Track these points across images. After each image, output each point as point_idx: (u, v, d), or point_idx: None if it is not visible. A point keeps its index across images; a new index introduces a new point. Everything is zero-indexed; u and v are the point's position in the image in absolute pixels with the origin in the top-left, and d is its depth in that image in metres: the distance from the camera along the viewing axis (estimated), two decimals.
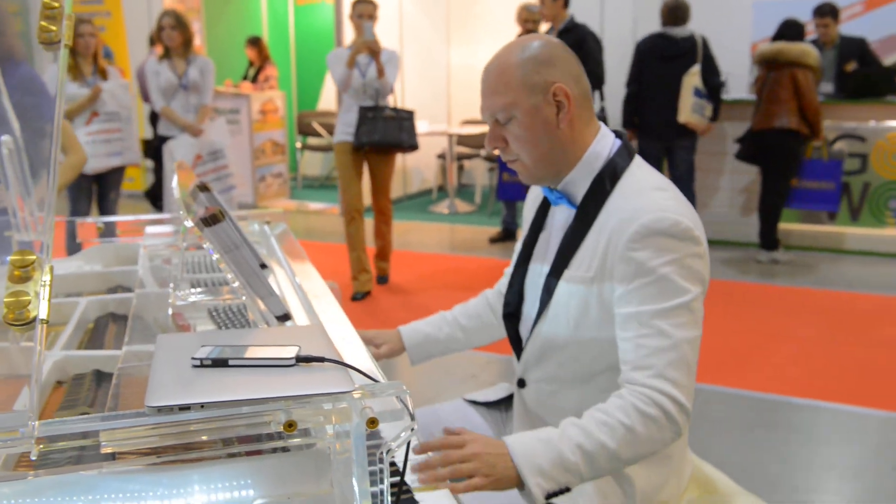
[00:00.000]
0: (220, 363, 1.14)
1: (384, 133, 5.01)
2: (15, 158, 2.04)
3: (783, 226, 6.23)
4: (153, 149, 6.02)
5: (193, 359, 1.14)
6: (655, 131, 6.05)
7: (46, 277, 1.07)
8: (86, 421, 0.99)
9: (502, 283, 1.97)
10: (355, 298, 5.33)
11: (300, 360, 1.15)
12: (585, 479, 1.43)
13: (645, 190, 1.54)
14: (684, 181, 6.12)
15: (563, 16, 5.62)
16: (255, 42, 9.09)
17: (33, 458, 1.01)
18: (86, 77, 5.00)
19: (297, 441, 1.08)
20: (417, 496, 1.38)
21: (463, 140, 8.43)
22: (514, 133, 1.58)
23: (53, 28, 1.40)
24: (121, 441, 1.02)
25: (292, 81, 9.96)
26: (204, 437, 1.02)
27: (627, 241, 1.48)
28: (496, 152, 1.70)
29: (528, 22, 6.33)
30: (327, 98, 9.71)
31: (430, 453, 1.43)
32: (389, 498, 1.11)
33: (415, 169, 9.09)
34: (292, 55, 9.96)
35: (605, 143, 1.61)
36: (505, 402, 1.97)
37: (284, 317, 1.49)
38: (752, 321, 4.85)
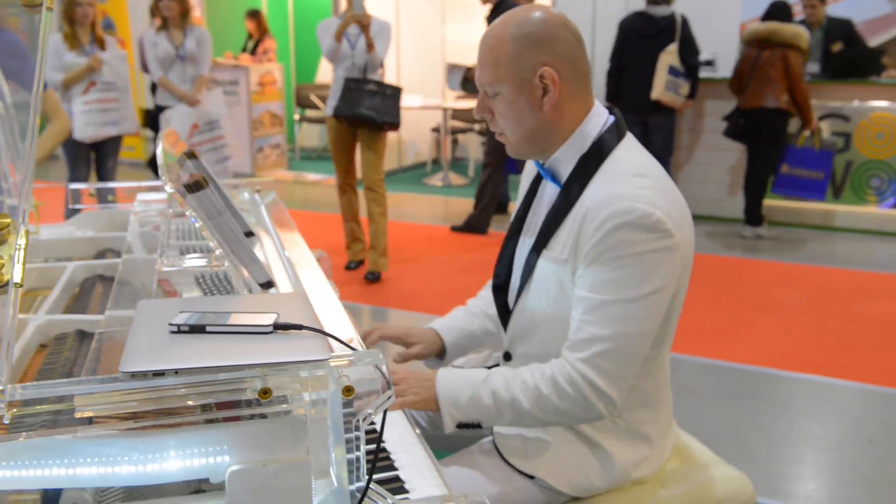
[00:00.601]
0: (197, 329, 1.10)
1: (364, 108, 4.77)
2: (5, 124, 1.99)
3: (767, 202, 6.20)
4: (152, 118, 5.94)
5: (171, 325, 1.10)
6: (633, 106, 6.02)
7: (21, 241, 1.03)
8: (59, 385, 0.95)
9: None
10: (349, 267, 5.28)
11: (278, 327, 1.11)
12: (496, 422, 1.52)
13: (623, 175, 1.47)
14: (661, 158, 6.06)
15: None
16: (255, 15, 8.97)
17: (6, 421, 0.98)
18: (84, 46, 4.91)
19: (273, 408, 1.04)
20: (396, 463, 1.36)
21: (457, 114, 8.37)
22: (499, 108, 1.53)
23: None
24: (95, 406, 0.98)
25: (290, 54, 9.84)
26: (178, 404, 0.99)
27: (595, 227, 1.43)
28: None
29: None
30: (325, 71, 9.61)
31: None
32: (366, 465, 1.09)
33: (409, 142, 9.02)
34: (291, 28, 9.84)
35: (595, 122, 1.54)
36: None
37: (268, 284, 1.46)
38: (735, 295, 4.83)
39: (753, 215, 6.03)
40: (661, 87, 5.80)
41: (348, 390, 1.03)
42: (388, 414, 1.53)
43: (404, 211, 7.06)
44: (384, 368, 1.07)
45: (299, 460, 1.04)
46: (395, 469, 1.35)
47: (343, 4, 7.71)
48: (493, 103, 1.54)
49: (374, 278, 5.09)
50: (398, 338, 1.84)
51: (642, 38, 5.91)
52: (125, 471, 1.01)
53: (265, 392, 1.00)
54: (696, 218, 6.52)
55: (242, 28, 9.12)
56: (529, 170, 1.78)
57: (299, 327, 1.12)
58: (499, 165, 6.26)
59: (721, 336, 4.19)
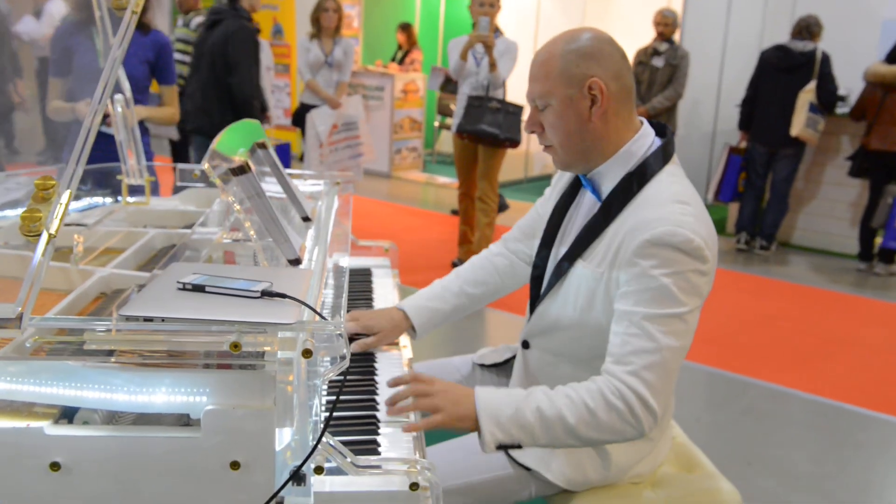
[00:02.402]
0: (198, 288, 1.24)
1: (486, 124, 4.78)
2: (126, 115, 2.23)
3: None
4: (299, 116, 6.29)
5: (178, 282, 1.25)
6: (764, 137, 5.88)
7: (64, 199, 1.19)
8: (67, 320, 1.11)
9: (511, 235, 1.97)
10: (454, 264, 5.40)
11: (265, 293, 1.23)
12: (538, 442, 1.44)
13: (667, 201, 1.48)
14: (780, 188, 5.93)
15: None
16: (406, 28, 9.26)
17: (27, 345, 1.14)
18: None
19: (248, 361, 1.16)
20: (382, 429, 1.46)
21: None
22: (548, 121, 1.55)
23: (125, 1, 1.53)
24: (96, 341, 1.14)
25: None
26: (159, 347, 1.12)
27: (637, 246, 1.45)
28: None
29: (660, 25, 6.16)
30: None
31: (400, 387, 1.49)
32: (321, 420, 1.19)
33: (537, 154, 9.05)
34: (440, 42, 10.08)
35: (642, 143, 1.56)
36: (512, 363, 1.99)
37: (295, 261, 1.59)
38: (832, 329, 4.60)
39: (867, 252, 5.71)
40: (801, 124, 5.63)
41: (307, 353, 1.13)
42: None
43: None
44: (341, 337, 1.17)
45: (264, 409, 1.15)
46: (376, 433, 1.44)
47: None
48: (542, 117, 1.57)
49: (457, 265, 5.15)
50: (366, 328, 1.82)
51: (779, 72, 5.75)
52: (120, 398, 1.16)
53: (235, 346, 1.12)
54: (808, 250, 6.24)
55: (394, 40, 9.44)
56: (557, 180, 1.83)
57: (283, 296, 1.23)
58: None
59: (805, 366, 4.01)
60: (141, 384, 1.15)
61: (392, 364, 1.75)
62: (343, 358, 1.16)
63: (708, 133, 7.24)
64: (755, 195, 6.07)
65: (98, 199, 2.43)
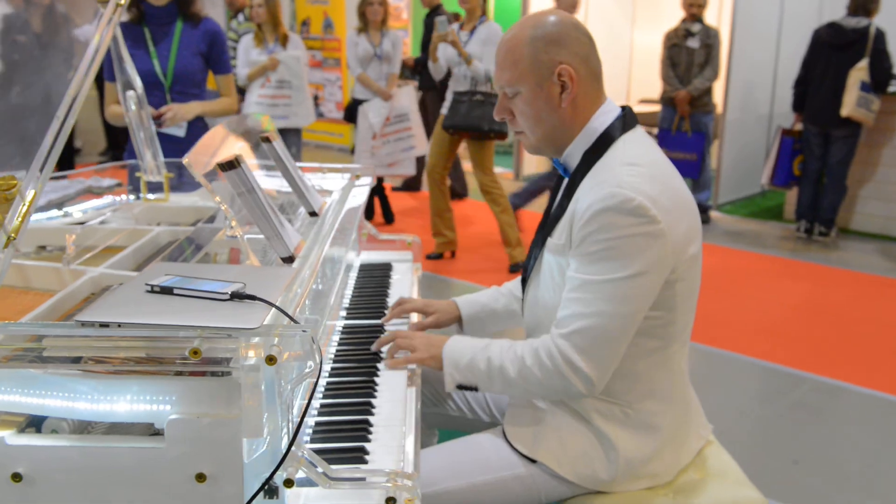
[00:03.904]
0: (166, 291, 1.17)
1: (469, 117, 4.75)
2: (140, 112, 2.18)
3: None
4: (350, 110, 6.24)
5: (146, 284, 1.18)
6: (817, 118, 5.62)
7: (28, 200, 1.14)
8: (22, 326, 1.05)
9: None
10: (428, 257, 5.27)
11: (234, 296, 1.16)
12: (489, 388, 1.54)
13: (614, 164, 1.45)
14: (836, 171, 5.65)
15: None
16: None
17: None
18: (268, 44, 5.23)
19: (214, 368, 1.08)
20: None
21: (639, 118, 8.10)
22: (518, 107, 1.53)
23: None
24: (57, 347, 1.08)
25: None
26: (114, 354, 1.06)
27: (581, 213, 1.43)
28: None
29: (692, 6, 5.92)
30: None
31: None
32: (291, 429, 1.11)
33: None
34: None
35: (605, 118, 1.52)
36: None
37: (289, 259, 1.51)
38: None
39: None
40: (853, 103, 5.34)
41: (270, 359, 1.05)
42: (397, 390, 1.55)
43: None
44: (312, 343, 1.09)
45: (230, 418, 1.08)
46: (366, 440, 1.35)
47: (530, 6, 7.70)
48: (512, 104, 1.54)
49: (515, 269, 5.05)
50: (419, 309, 1.87)
51: (832, 49, 5.48)
52: (82, 406, 1.10)
53: (195, 352, 1.05)
54: (868, 236, 5.93)
55: None
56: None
57: (253, 298, 1.15)
58: None
59: (862, 359, 3.79)
60: (103, 392, 1.09)
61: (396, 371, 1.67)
62: (318, 361, 1.08)
63: (764, 115, 6.94)
64: (812, 179, 5.79)
65: (122, 197, 2.41)
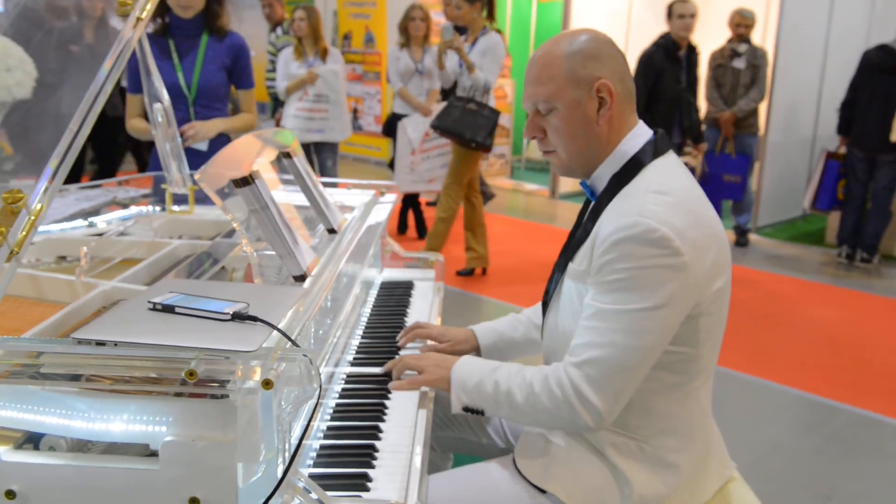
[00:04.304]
0: (168, 309, 1.16)
1: (454, 122, 4.70)
2: (166, 124, 2.19)
3: None
4: (389, 125, 6.25)
5: (149, 302, 1.16)
6: (863, 142, 5.48)
7: (34, 215, 1.13)
8: (23, 342, 1.04)
9: None
10: (459, 273, 5.23)
11: (235, 316, 1.14)
12: (496, 413, 1.48)
13: (641, 191, 1.39)
14: (881, 196, 5.51)
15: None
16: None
17: None
18: (308, 58, 5.26)
19: (212, 390, 1.06)
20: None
21: None
22: (553, 124, 1.47)
23: (129, 2, 1.47)
24: (54, 364, 1.06)
25: None
26: (110, 373, 1.04)
27: (601, 240, 1.37)
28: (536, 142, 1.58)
29: (739, 26, 5.83)
30: None
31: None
32: (287, 455, 1.08)
33: None
34: (531, 48, 9.91)
35: (635, 141, 1.46)
36: None
37: (301, 278, 1.49)
38: None
39: None
40: None
41: (267, 383, 1.03)
42: (407, 414, 1.52)
43: None
44: (310, 367, 1.06)
45: (226, 441, 1.06)
46: (369, 466, 1.32)
47: (572, 27, 7.65)
48: (545, 121, 1.48)
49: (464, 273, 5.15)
50: (434, 337, 1.83)
51: (882, 73, 5.35)
52: (78, 425, 1.08)
53: (191, 374, 1.03)
54: None
55: None
56: None
57: (255, 319, 1.13)
58: None
59: None
60: (100, 411, 1.07)
61: (409, 392, 1.63)
62: (318, 385, 1.05)
63: (807, 138, 6.79)
64: (856, 204, 5.64)
65: (148, 208, 2.42)
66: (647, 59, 4.89)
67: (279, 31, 6.23)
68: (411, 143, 5.99)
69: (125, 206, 2.36)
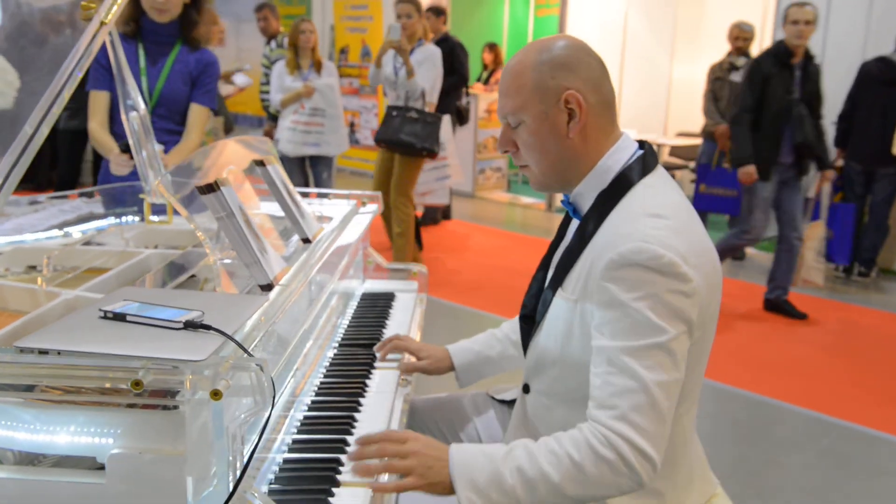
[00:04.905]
0: (119, 317, 1.12)
1: (402, 133, 4.74)
2: (143, 133, 2.16)
3: None
4: None
5: (100, 310, 1.13)
6: (861, 155, 5.44)
7: None
8: None
9: None
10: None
11: (188, 325, 1.10)
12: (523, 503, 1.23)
13: (638, 214, 1.31)
14: (878, 210, 5.46)
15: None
16: (493, 48, 9.15)
17: None
18: (302, 71, 5.24)
19: (159, 400, 1.02)
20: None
21: (675, 151, 7.98)
22: (522, 138, 1.40)
23: (93, 6, 1.45)
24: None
25: None
26: (53, 383, 1.00)
27: (604, 268, 1.27)
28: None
29: (738, 40, 5.82)
30: None
31: (368, 447, 1.31)
32: (238, 468, 1.04)
33: None
34: None
35: (620, 155, 1.39)
36: None
37: (267, 286, 1.45)
38: None
39: None
40: None
41: (215, 393, 0.99)
42: (378, 426, 1.47)
43: None
44: (262, 377, 1.03)
45: (175, 454, 1.02)
46: (333, 483, 1.28)
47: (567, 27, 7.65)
48: (516, 134, 1.42)
49: None
50: (412, 350, 1.77)
51: (881, 85, 5.31)
52: (21, 436, 1.04)
53: (137, 384, 0.99)
54: None
55: (481, 59, 9.34)
56: None
57: (207, 328, 1.10)
58: None
59: None
60: (45, 422, 1.04)
61: (381, 403, 1.59)
62: (270, 396, 1.01)
63: None
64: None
65: (129, 218, 2.38)
66: (754, 66, 4.68)
67: (273, 44, 6.23)
68: None
69: (102, 217, 2.33)
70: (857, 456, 3.12)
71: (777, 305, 4.74)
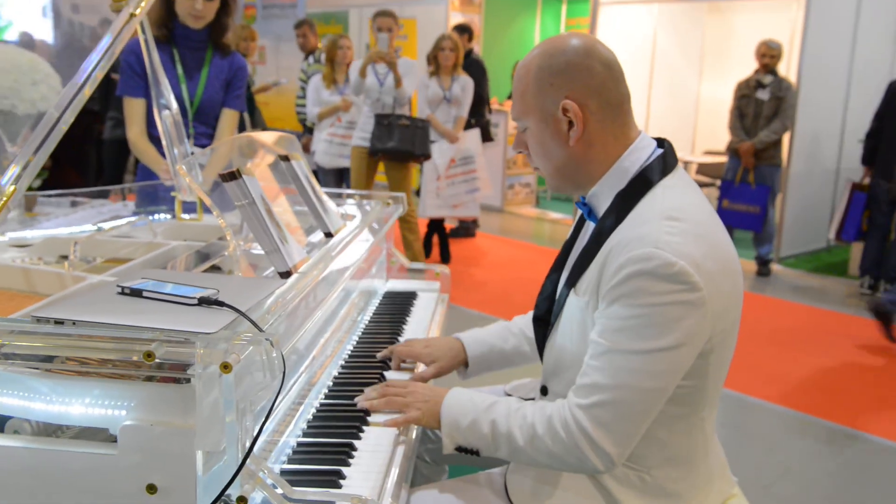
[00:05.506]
0: (136, 293, 1.12)
1: (398, 141, 4.81)
2: (175, 131, 2.18)
3: None
4: None
5: (118, 286, 1.13)
6: (888, 172, 5.31)
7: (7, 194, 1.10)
8: None
9: None
10: None
11: (202, 301, 1.09)
12: (492, 453, 1.34)
13: (654, 217, 1.25)
14: None
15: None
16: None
17: None
18: (338, 85, 5.29)
19: (171, 373, 1.01)
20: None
21: (702, 169, 7.88)
22: (529, 142, 1.38)
23: (123, 2, 1.46)
24: (14, 344, 1.02)
25: None
26: (69, 353, 1.00)
27: (614, 270, 1.24)
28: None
29: (765, 57, 5.75)
30: None
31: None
32: (247, 442, 1.02)
33: None
34: None
35: (637, 156, 1.33)
36: None
37: (286, 274, 1.44)
38: None
39: None
40: None
41: (226, 366, 0.97)
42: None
43: None
44: (272, 352, 1.01)
45: (185, 427, 1.01)
46: (345, 464, 1.26)
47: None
48: (525, 138, 1.39)
49: None
50: (416, 356, 1.70)
51: None
52: (38, 407, 1.04)
53: (149, 355, 0.98)
54: None
55: (511, 78, 9.35)
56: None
57: (221, 304, 1.09)
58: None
59: None
60: (61, 393, 1.03)
61: None
62: (281, 371, 1.00)
63: (830, 169, 6.65)
64: (879, 235, 5.48)
65: (161, 216, 2.40)
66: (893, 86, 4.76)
67: (311, 59, 6.29)
68: (437, 169, 5.97)
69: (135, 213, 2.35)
70: (879, 468, 3.03)
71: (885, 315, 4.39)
